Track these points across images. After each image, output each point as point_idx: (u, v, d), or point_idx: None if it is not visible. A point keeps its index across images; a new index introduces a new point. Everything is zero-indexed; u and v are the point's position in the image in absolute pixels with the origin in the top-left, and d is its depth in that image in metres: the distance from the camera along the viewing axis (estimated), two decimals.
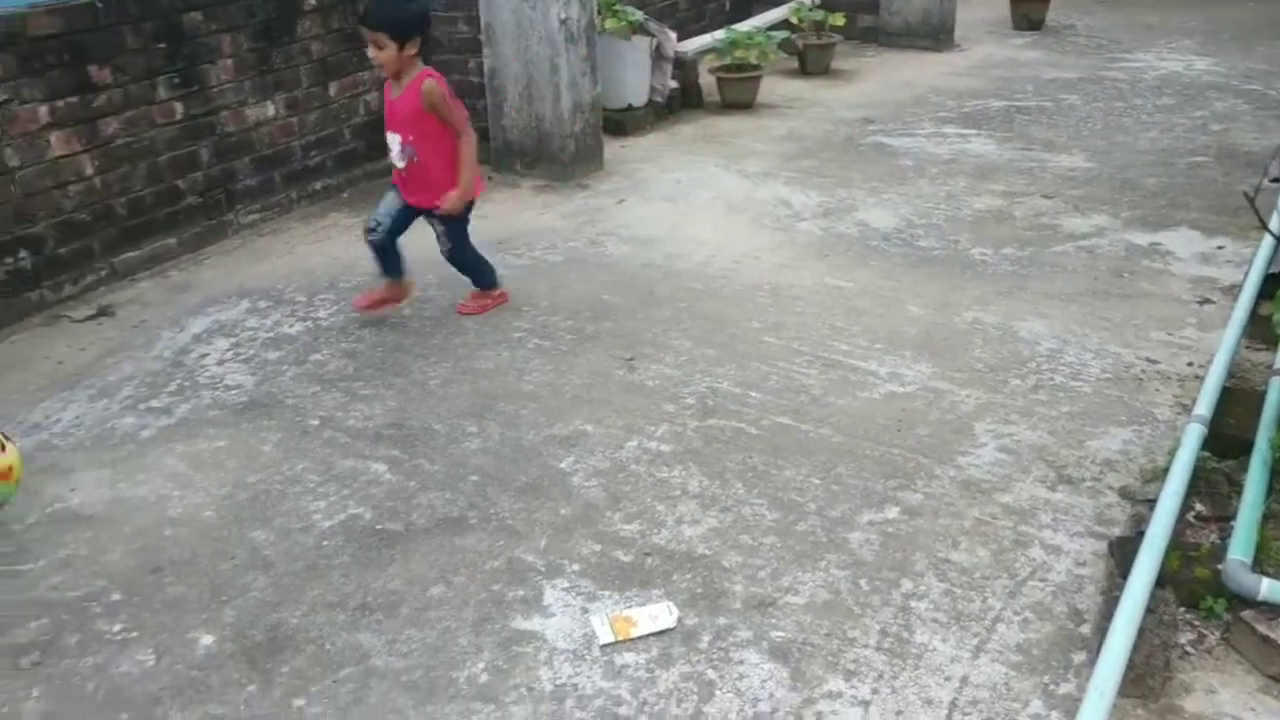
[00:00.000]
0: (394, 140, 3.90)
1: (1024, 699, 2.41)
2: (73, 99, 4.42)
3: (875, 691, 2.42)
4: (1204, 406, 3.13)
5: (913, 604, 2.69)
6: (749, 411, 3.58)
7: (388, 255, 4.13)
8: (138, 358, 4.04)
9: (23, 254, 4.33)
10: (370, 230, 4.06)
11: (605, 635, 2.60)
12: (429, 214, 4.01)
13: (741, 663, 2.52)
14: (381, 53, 3.74)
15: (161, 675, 2.52)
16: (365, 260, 4.31)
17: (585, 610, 2.69)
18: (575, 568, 2.86)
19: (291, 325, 4.26)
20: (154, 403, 3.73)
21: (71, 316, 4.40)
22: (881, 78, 8.09)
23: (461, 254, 4.15)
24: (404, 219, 4.05)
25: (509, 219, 5.32)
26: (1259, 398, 3.20)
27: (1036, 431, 3.43)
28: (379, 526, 3.05)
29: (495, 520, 3.06)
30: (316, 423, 3.57)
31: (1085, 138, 6.47)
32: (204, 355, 4.04)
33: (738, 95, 7.30)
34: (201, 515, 3.11)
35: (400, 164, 3.93)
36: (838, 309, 4.30)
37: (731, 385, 3.74)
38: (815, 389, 3.71)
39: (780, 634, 2.60)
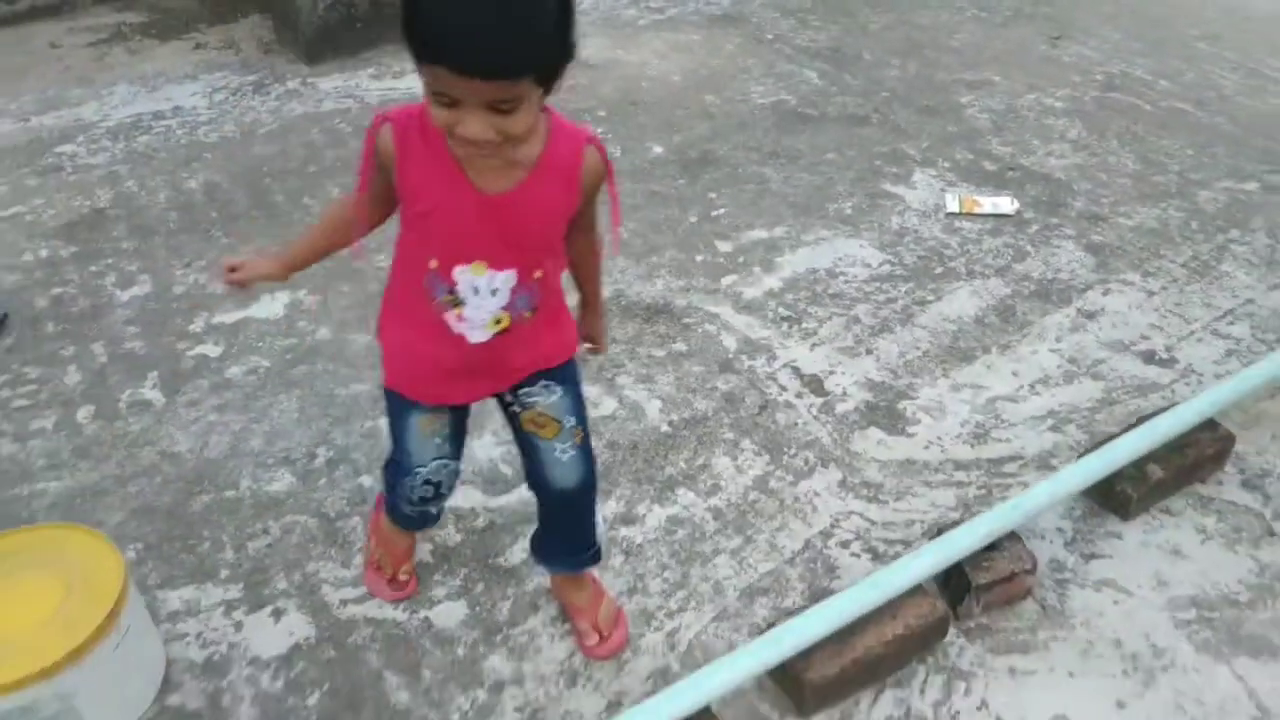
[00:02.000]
0: (489, 283, 1.57)
1: None
2: None
3: (1164, 288, 2.86)
4: None
5: (1233, 246, 3.03)
6: (1151, 94, 3.85)
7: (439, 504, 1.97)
8: None
9: None
10: (425, 500, 1.86)
11: (952, 206, 3.20)
12: (542, 385, 1.74)
13: (1058, 247, 3.04)
14: (514, 117, 1.34)
15: (624, 163, 3.47)
16: None
17: (943, 190, 3.30)
18: (945, 164, 3.44)
19: None
20: (651, 3, 4.63)
21: None
22: None
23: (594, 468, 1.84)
24: (460, 441, 1.86)
25: None
26: None
27: None
28: (800, 110, 3.77)
29: (892, 123, 3.68)
30: (771, 37, 4.31)
31: None
32: None
33: None
34: (670, 78, 4.00)
35: (483, 336, 1.61)
36: None
37: (1144, 73, 4.00)
38: (1227, 89, 3.88)
39: (1100, 238, 3.07)
